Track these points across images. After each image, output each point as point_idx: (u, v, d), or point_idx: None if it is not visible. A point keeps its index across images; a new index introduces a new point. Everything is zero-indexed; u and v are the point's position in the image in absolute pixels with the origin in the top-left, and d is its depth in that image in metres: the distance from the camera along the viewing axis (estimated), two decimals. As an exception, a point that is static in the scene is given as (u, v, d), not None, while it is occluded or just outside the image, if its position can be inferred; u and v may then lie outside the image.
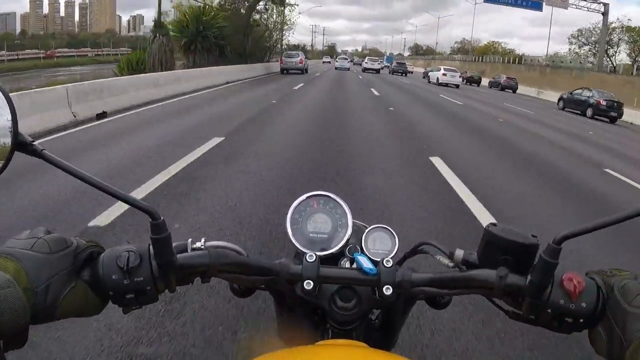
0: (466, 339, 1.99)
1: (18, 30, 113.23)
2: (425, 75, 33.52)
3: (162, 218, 0.47)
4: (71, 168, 0.44)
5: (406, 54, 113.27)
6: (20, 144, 0.43)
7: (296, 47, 53.12)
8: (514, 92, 29.73)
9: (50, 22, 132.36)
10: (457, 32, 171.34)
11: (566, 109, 19.31)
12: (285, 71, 24.58)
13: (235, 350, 1.79)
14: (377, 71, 38.36)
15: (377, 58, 50.18)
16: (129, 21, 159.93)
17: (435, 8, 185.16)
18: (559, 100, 20.62)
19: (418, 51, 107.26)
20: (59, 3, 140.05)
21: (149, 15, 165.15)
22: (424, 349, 1.90)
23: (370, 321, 0.61)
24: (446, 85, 26.24)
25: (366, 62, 41.07)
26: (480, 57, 50.65)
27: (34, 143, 0.43)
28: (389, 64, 50.60)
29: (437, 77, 27.41)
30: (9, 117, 0.42)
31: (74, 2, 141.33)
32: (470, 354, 1.92)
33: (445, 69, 28.03)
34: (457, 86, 26.77)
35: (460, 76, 28.41)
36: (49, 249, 0.45)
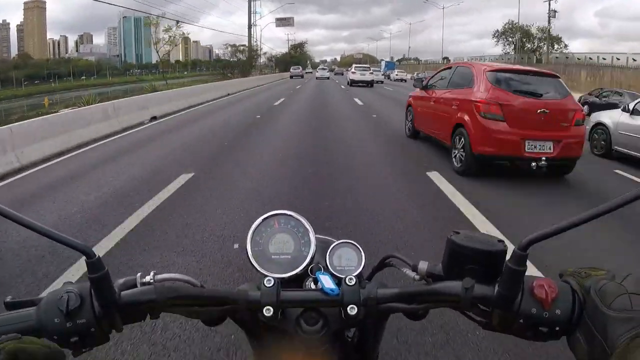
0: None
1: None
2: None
3: (97, 255, 0.46)
4: (21, 217, 0.43)
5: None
6: None
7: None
8: None
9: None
10: (436, 37, 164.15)
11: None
12: (292, 77, 47.98)
13: None
14: (370, 85, 27.46)
15: (368, 66, 34.08)
16: (76, 42, 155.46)
17: (412, 13, 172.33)
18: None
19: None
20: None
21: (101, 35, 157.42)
22: None
23: (346, 340, 0.60)
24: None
25: (353, 72, 28.92)
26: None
27: None
28: (388, 73, 40.43)
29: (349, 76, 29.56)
30: None
31: (9, 24, 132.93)
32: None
33: (356, 67, 30.23)
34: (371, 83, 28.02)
35: (371, 73, 28.89)
36: None
